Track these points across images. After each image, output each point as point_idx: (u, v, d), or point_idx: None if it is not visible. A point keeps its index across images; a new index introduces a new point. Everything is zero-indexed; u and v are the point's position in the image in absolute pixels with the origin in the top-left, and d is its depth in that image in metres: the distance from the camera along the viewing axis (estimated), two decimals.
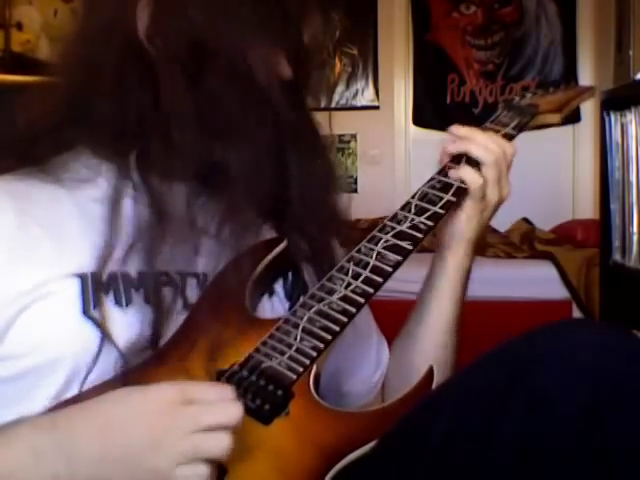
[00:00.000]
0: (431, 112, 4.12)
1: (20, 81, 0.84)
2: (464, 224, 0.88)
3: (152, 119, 0.78)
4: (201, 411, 0.60)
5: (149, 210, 0.77)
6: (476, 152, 0.86)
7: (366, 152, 4.18)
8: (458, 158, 0.88)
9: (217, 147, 0.77)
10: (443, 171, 0.88)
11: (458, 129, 0.90)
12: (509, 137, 0.92)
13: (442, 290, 0.90)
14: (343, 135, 4.18)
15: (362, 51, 4.18)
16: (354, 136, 4.19)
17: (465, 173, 0.86)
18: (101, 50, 0.79)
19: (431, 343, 0.90)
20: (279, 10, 0.80)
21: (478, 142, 0.87)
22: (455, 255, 0.89)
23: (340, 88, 4.18)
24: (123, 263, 0.75)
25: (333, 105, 4.17)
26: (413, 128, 4.17)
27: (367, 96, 4.20)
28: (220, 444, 0.59)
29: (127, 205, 0.78)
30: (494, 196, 0.87)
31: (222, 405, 0.61)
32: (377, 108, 4.19)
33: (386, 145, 4.16)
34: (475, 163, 0.86)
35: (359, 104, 4.20)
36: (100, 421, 0.61)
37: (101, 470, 0.60)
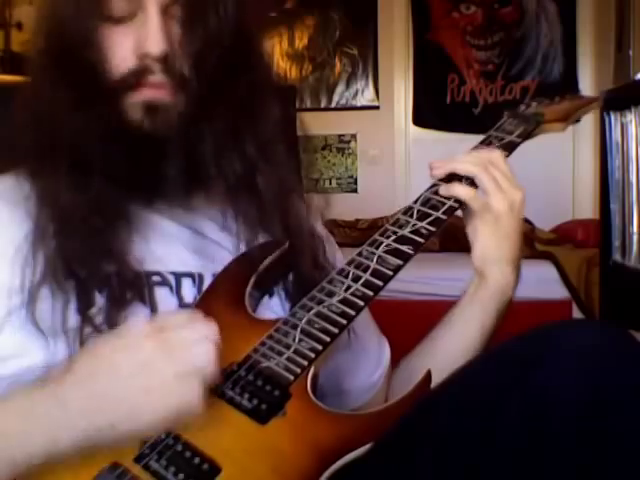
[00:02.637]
0: (431, 112, 4.12)
1: (20, 81, 0.84)
2: (486, 243, 0.86)
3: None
4: (180, 331, 0.62)
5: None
6: (461, 167, 0.86)
7: (366, 152, 4.18)
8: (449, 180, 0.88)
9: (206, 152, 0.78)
10: (448, 176, 0.88)
11: (438, 163, 0.89)
12: (513, 145, 0.92)
13: (471, 317, 0.88)
14: (343, 135, 4.18)
15: (362, 51, 4.18)
16: (354, 136, 4.19)
17: (455, 189, 0.85)
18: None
19: (443, 363, 0.88)
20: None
21: (460, 159, 0.87)
22: (489, 279, 0.87)
23: (340, 88, 4.18)
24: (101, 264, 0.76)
25: (333, 105, 4.17)
26: (413, 128, 4.17)
27: (367, 96, 4.20)
28: (207, 352, 0.61)
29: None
30: (501, 204, 0.85)
31: (197, 323, 0.64)
32: (377, 108, 4.19)
33: (386, 145, 4.15)
34: (470, 182, 0.86)
35: (359, 104, 4.20)
36: (88, 364, 0.62)
37: (92, 410, 0.60)
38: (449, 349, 0.89)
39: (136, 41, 0.75)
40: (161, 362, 0.61)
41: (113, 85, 0.76)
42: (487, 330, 0.88)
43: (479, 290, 0.88)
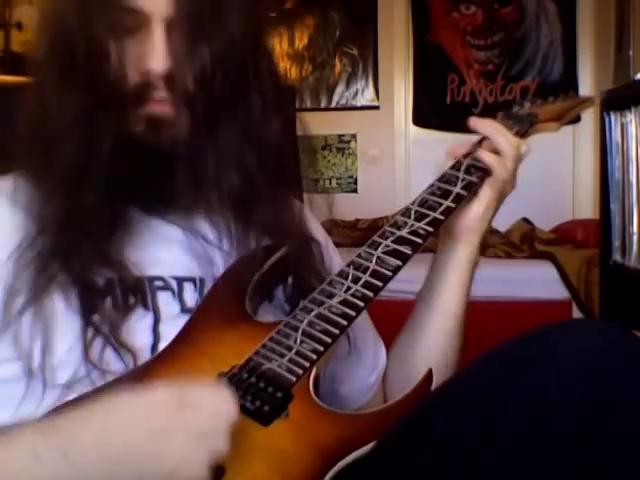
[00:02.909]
0: (431, 112, 4.12)
1: (21, 82, 0.84)
2: (481, 214, 0.88)
3: None
4: (198, 416, 0.59)
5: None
6: (499, 141, 0.88)
7: (366, 152, 4.18)
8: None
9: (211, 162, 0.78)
10: (444, 177, 0.89)
11: (480, 120, 0.91)
12: None
13: (451, 284, 0.89)
14: (343, 135, 4.18)
15: (362, 51, 4.18)
16: (354, 136, 4.19)
17: (492, 159, 0.87)
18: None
19: (431, 345, 0.90)
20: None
21: (502, 133, 0.89)
22: (469, 247, 0.89)
23: (340, 88, 4.18)
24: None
25: (333, 105, 4.17)
26: (413, 128, 4.17)
27: (367, 96, 4.20)
28: (217, 448, 0.58)
29: None
30: (509, 188, 0.89)
31: (219, 409, 0.60)
32: (377, 108, 4.19)
33: (386, 145, 4.15)
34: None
35: (359, 104, 4.20)
36: (99, 425, 0.60)
37: (102, 472, 0.59)
38: (431, 331, 0.90)
39: (140, 56, 0.75)
40: (173, 452, 0.58)
41: (117, 96, 0.75)
42: (465, 300, 0.90)
43: (457, 256, 0.90)
